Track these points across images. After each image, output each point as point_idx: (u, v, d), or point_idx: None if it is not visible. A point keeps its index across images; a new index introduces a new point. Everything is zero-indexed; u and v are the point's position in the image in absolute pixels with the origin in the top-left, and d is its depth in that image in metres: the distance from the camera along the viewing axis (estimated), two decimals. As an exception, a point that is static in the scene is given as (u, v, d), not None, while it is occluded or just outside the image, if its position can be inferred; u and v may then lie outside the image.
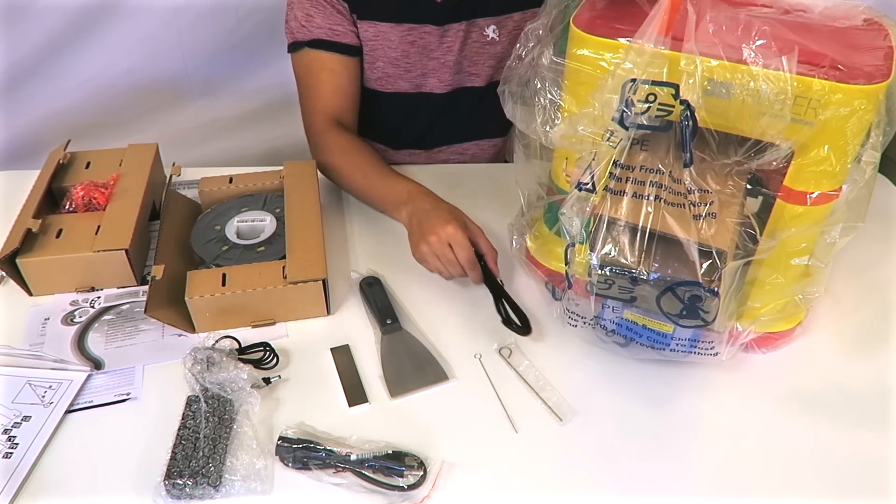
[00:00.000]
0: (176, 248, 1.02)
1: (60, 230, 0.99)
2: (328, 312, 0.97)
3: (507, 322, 0.94)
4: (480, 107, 1.26)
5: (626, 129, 0.73)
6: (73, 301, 0.98)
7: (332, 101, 1.18)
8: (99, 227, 0.99)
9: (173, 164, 1.16)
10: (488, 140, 1.37)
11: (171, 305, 0.93)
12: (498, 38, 1.20)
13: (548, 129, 0.81)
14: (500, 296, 0.97)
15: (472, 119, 1.30)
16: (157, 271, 0.92)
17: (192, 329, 0.94)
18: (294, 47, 1.17)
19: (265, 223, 1.06)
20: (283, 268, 0.95)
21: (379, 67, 1.20)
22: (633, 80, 0.71)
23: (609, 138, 0.74)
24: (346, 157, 1.15)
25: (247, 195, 1.12)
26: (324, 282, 0.93)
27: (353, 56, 1.18)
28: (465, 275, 0.98)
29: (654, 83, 0.71)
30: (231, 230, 1.05)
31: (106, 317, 0.96)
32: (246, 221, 1.06)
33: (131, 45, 1.29)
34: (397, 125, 1.30)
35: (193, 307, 0.92)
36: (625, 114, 0.72)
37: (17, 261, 0.95)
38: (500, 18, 1.18)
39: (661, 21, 0.71)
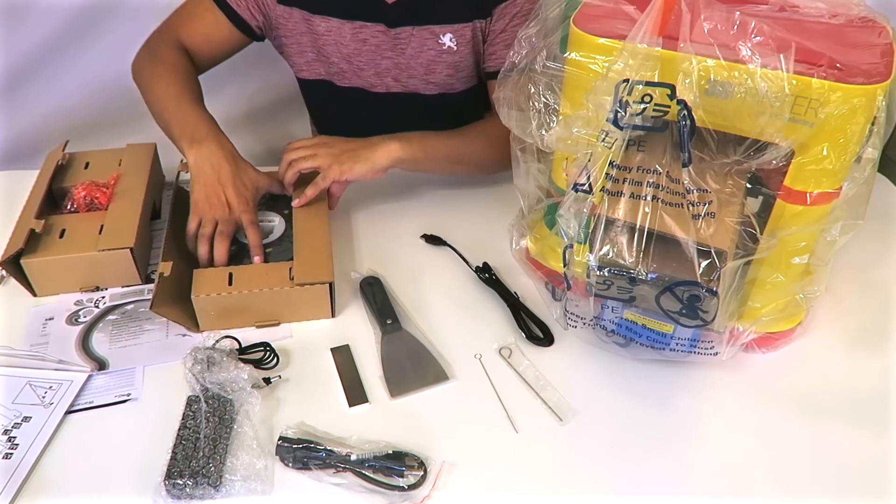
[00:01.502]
0: (183, 247, 1.02)
1: (63, 230, 0.99)
2: (333, 315, 0.97)
3: (529, 337, 0.94)
4: (435, 115, 1.21)
5: (621, 129, 0.73)
6: (78, 301, 0.98)
7: (194, 40, 1.17)
8: (102, 226, 0.99)
9: (181, 161, 1.15)
10: None
11: (177, 303, 0.93)
12: (456, 48, 1.16)
13: (543, 132, 0.81)
14: (519, 309, 0.97)
15: (428, 127, 1.20)
16: (165, 268, 0.92)
17: (197, 328, 0.94)
18: None
19: (274, 224, 1.06)
20: (290, 269, 0.95)
21: (334, 63, 1.21)
22: (627, 81, 0.71)
23: (604, 139, 0.74)
24: (173, 74, 1.12)
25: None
26: (330, 285, 0.93)
27: (239, 29, 1.17)
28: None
29: (650, 84, 0.71)
30: (239, 230, 1.04)
31: (110, 316, 0.96)
32: (253, 222, 1.06)
33: (131, 45, 1.29)
34: (364, 126, 1.22)
35: (199, 305, 0.92)
36: (619, 114, 0.72)
37: (22, 261, 0.95)
38: (457, 27, 1.14)
39: (654, 21, 0.70)
